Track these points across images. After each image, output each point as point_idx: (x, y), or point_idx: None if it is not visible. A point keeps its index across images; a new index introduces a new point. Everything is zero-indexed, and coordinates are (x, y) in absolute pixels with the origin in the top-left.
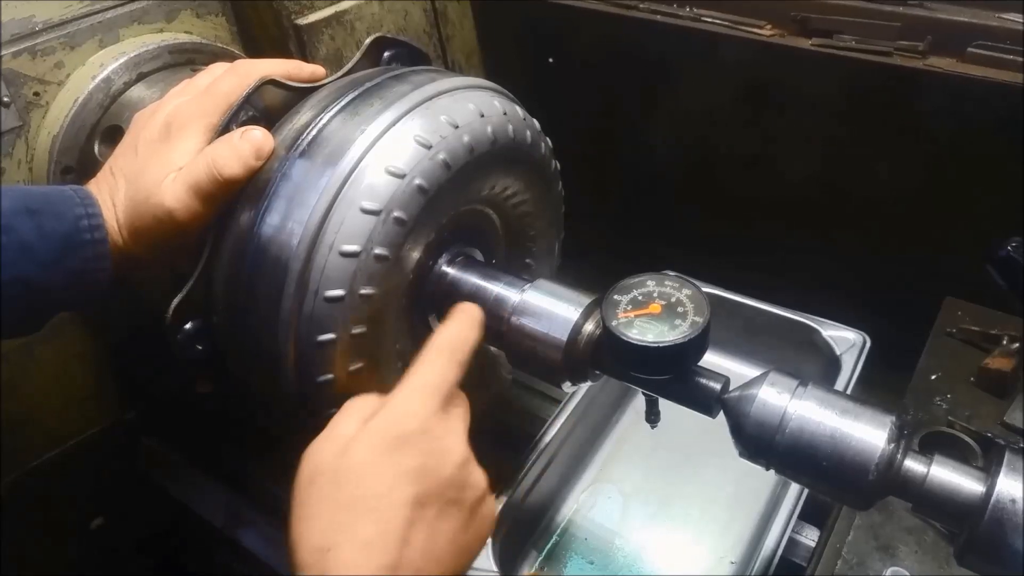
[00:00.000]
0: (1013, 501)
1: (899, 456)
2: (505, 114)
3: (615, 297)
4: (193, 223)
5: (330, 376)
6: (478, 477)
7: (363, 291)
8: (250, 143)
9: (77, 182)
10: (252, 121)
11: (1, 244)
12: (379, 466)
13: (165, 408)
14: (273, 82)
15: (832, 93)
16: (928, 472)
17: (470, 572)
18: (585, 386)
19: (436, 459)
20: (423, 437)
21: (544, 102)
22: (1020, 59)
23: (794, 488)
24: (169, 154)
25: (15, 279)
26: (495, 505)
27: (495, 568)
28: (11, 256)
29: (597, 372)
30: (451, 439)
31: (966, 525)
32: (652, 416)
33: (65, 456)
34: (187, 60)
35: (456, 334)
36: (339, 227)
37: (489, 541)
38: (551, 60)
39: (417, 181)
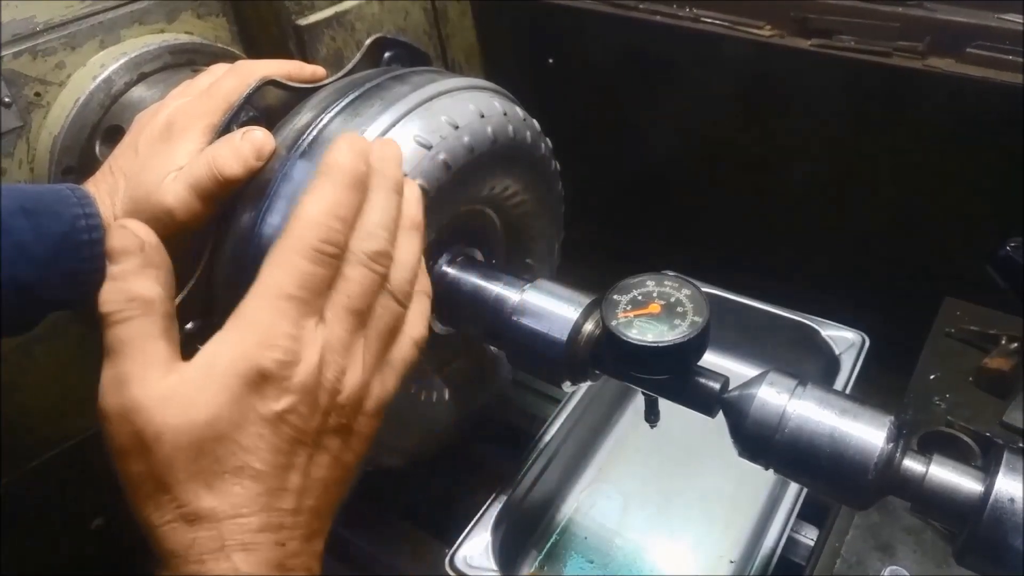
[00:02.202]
0: (1012, 500)
1: (898, 456)
2: (505, 114)
3: (615, 297)
4: (192, 222)
5: None
6: (362, 390)
7: None
8: (251, 143)
9: (78, 182)
10: (253, 121)
11: None
12: (236, 420)
13: None
14: (274, 83)
15: (831, 93)
16: (927, 471)
17: (470, 572)
18: (585, 386)
19: (307, 394)
20: (285, 367)
21: (544, 102)
22: (1019, 59)
23: (793, 487)
24: (170, 154)
25: (11, 279)
26: (379, 401)
27: (495, 567)
28: (7, 256)
29: (597, 372)
30: (328, 357)
31: (965, 524)
32: (652, 416)
33: (65, 456)
34: (188, 60)
35: (317, 200)
36: None
37: (489, 539)
38: (551, 60)
39: (417, 181)
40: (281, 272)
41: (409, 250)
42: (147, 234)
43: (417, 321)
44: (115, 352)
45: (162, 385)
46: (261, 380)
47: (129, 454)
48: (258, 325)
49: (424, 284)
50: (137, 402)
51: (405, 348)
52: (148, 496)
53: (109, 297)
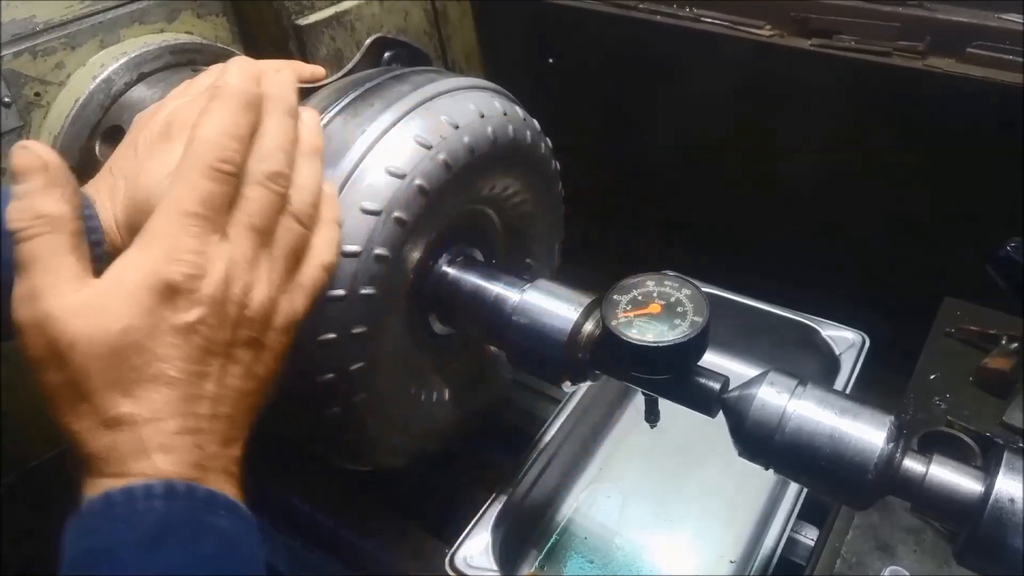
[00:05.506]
0: (1012, 500)
1: (898, 455)
2: (505, 114)
3: (615, 297)
4: None
5: (331, 376)
6: (269, 306)
7: (363, 291)
8: None
9: (79, 183)
10: None
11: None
12: (149, 330)
13: None
14: None
15: (831, 93)
16: (927, 471)
17: (470, 572)
18: (585, 386)
19: (216, 307)
20: (192, 280)
21: (544, 102)
22: (1019, 59)
23: (793, 487)
24: (169, 154)
25: (11, 278)
26: (293, 313)
27: (495, 567)
28: (7, 256)
29: (597, 372)
30: (233, 272)
31: (965, 525)
32: (652, 416)
33: (65, 456)
34: (188, 60)
35: (212, 121)
36: None
37: (489, 539)
38: (551, 60)
39: (417, 182)
40: (183, 190)
41: (309, 174)
42: (49, 154)
43: (324, 247)
44: (26, 267)
45: (75, 297)
46: (170, 292)
47: (45, 364)
48: (164, 240)
49: (333, 211)
50: (50, 313)
51: (314, 271)
52: (67, 404)
53: (16, 215)
